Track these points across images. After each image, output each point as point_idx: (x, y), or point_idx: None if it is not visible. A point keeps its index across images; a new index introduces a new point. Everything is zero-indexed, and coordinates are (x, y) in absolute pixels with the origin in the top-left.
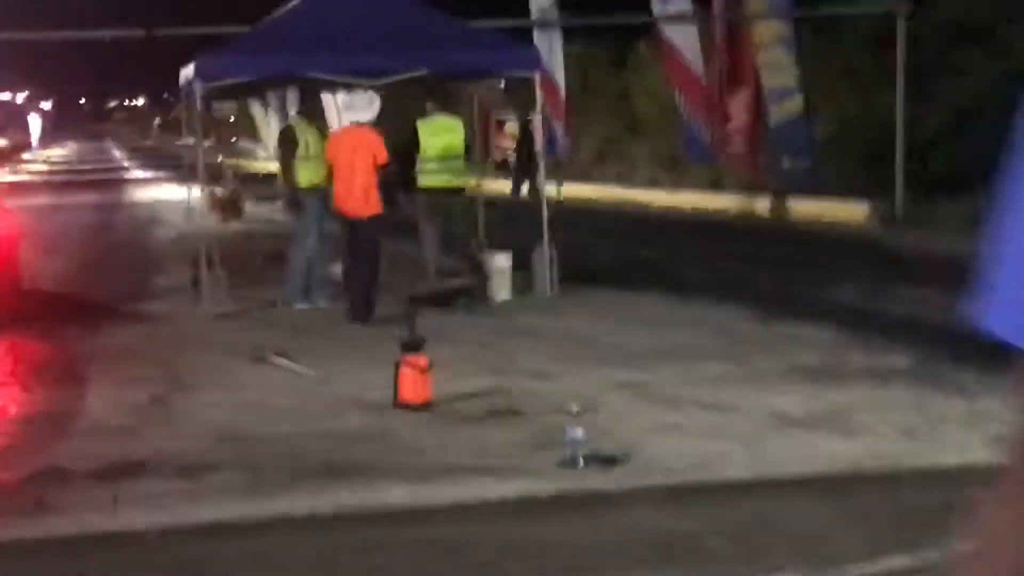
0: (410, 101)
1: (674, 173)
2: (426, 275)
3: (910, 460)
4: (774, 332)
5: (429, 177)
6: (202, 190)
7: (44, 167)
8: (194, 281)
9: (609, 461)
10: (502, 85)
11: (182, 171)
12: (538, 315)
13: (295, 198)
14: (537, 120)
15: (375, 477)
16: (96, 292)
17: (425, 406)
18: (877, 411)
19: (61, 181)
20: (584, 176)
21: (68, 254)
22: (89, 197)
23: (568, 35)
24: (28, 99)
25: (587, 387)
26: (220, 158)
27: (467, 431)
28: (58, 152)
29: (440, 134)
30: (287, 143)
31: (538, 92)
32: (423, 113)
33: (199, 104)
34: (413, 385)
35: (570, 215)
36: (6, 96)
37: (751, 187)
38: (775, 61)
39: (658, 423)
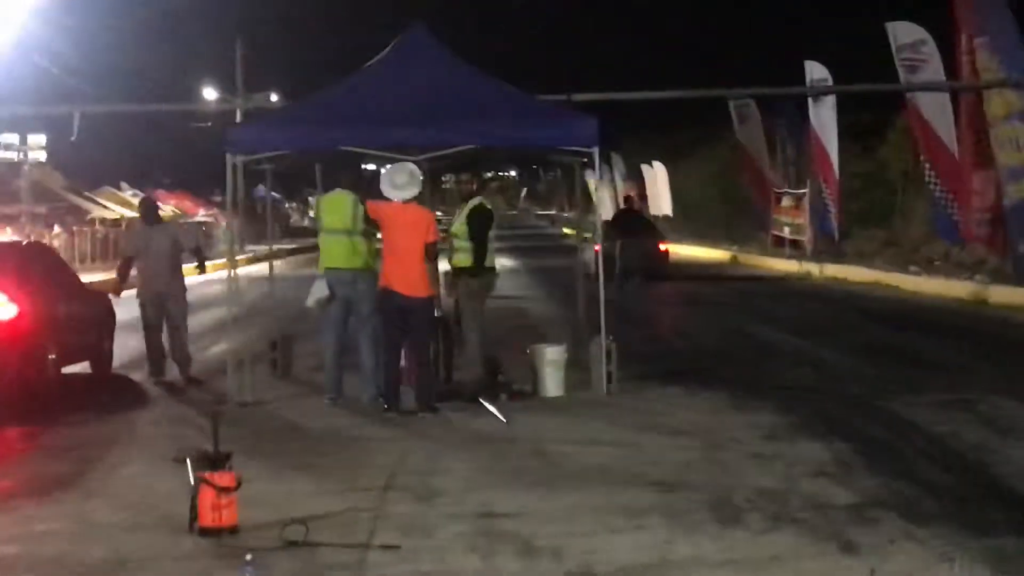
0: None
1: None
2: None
3: None
4: (767, 451)
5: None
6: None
7: None
8: (272, 364)
9: None
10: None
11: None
12: (550, 417)
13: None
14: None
15: None
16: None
17: (230, 532)
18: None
19: None
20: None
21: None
22: None
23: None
24: None
25: (447, 516)
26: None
27: (221, 570)
28: None
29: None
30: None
31: (596, 168)
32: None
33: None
34: (212, 508)
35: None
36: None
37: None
38: (1012, 136)
39: (436, 571)
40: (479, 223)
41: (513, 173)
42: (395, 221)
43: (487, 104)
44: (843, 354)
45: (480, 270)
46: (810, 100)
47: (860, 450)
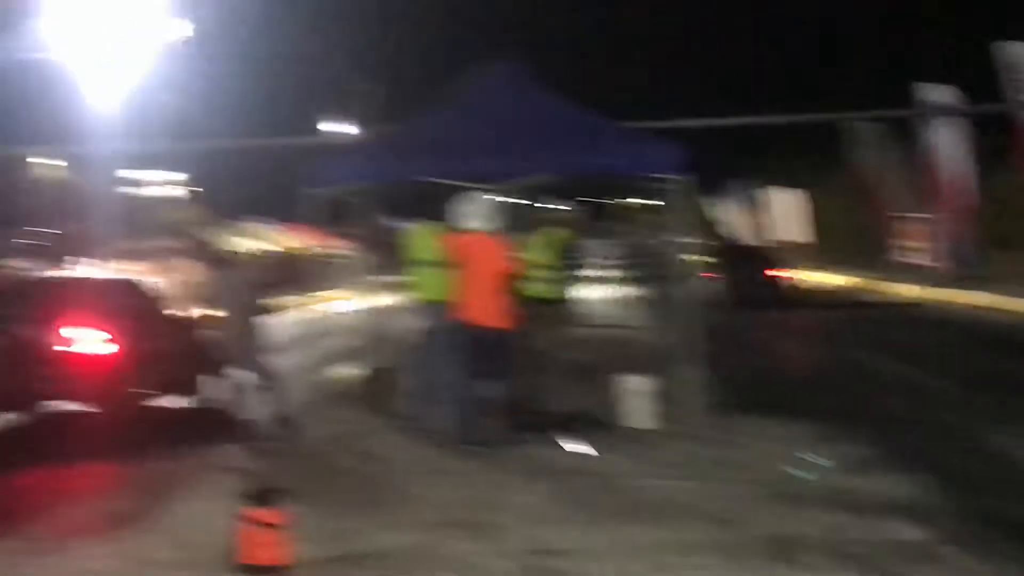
0: None
1: None
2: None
3: None
4: (845, 485)
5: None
6: None
7: None
8: (368, 396)
9: None
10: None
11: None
12: (629, 449)
13: None
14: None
15: None
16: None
17: (279, 569)
18: None
19: None
20: None
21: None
22: None
23: None
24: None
25: (498, 553)
26: None
27: None
28: None
29: None
30: None
31: (677, 195)
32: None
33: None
34: (257, 545)
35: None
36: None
37: None
38: None
39: None
40: (566, 254)
41: (639, 201)
42: (470, 252)
43: (565, 132)
44: (949, 382)
45: (558, 301)
46: (933, 122)
47: (940, 484)
